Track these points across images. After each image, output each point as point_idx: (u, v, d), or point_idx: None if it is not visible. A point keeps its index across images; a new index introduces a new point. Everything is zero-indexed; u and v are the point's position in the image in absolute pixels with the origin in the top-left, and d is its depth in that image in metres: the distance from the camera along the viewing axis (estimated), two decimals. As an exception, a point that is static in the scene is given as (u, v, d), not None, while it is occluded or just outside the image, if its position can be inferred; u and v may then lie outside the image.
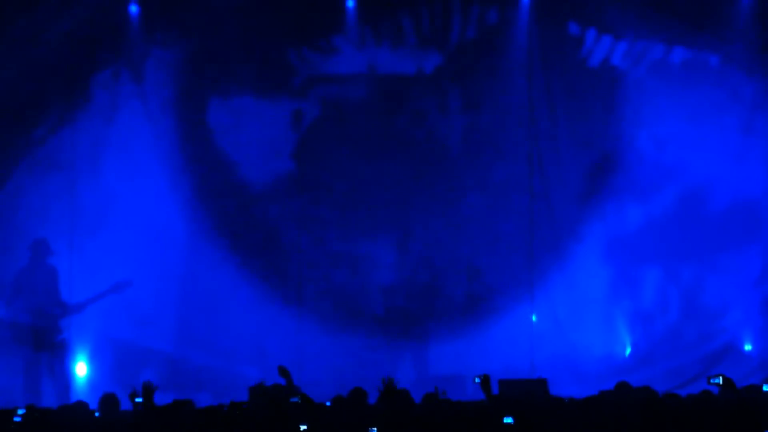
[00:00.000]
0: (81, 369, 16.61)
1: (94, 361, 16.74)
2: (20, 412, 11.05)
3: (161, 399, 10.98)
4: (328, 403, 10.76)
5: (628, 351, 17.03)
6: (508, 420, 8.98)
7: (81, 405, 10.68)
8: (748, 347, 16.89)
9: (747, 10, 16.94)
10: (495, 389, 11.68)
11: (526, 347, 16.87)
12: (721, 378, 9.96)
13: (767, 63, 16.90)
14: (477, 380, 10.48)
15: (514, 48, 17.21)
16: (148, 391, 10.27)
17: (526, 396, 11.72)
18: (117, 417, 10.62)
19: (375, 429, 9.13)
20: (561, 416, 9.35)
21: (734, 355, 16.82)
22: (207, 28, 16.98)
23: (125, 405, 11.04)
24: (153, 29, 17.09)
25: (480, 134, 17.35)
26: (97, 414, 10.71)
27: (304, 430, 9.29)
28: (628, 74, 17.18)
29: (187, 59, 17.15)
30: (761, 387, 10.80)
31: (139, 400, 10.63)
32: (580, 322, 16.95)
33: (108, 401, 10.73)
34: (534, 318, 17.08)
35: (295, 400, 10.76)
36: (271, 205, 17.32)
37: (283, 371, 12.15)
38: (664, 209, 17.16)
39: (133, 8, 17.03)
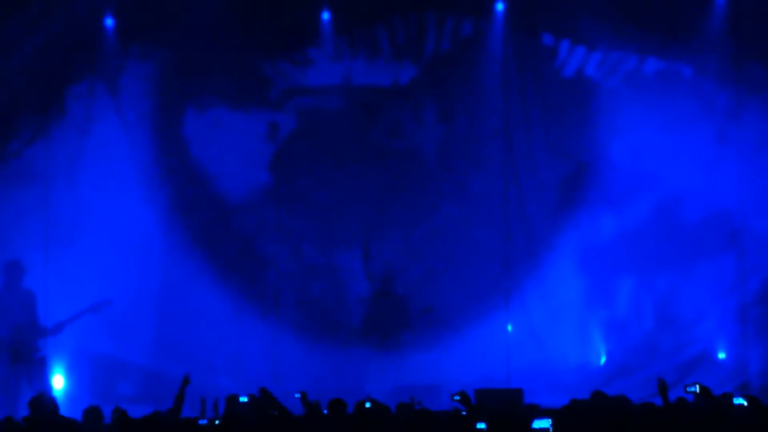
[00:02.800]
0: (58, 382, 16.57)
1: (72, 374, 16.69)
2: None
3: (139, 412, 10.98)
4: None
5: (603, 360, 17.09)
6: (480, 426, 9.02)
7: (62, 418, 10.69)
8: (721, 356, 16.95)
9: (719, 21, 17.03)
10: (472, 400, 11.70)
11: (502, 357, 16.91)
12: (697, 386, 10.01)
13: (739, 73, 16.99)
14: (456, 398, 10.52)
15: (488, 59, 17.28)
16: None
17: (502, 405, 11.74)
18: (99, 430, 10.61)
19: None
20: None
21: (708, 363, 16.87)
22: (183, 41, 16.98)
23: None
24: (128, 42, 17.08)
25: (455, 145, 17.40)
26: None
27: None
28: (602, 85, 17.26)
29: (162, 72, 17.15)
30: (732, 397, 10.84)
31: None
32: (556, 331, 16.99)
33: (91, 414, 10.71)
34: (510, 327, 17.12)
35: (272, 412, 10.78)
36: (248, 217, 17.33)
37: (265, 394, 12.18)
38: (638, 218, 17.22)
39: (109, 21, 17.01)
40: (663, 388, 10.51)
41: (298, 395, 11.75)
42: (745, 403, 10.22)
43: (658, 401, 10.79)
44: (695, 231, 17.09)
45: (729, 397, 10.88)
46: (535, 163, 17.31)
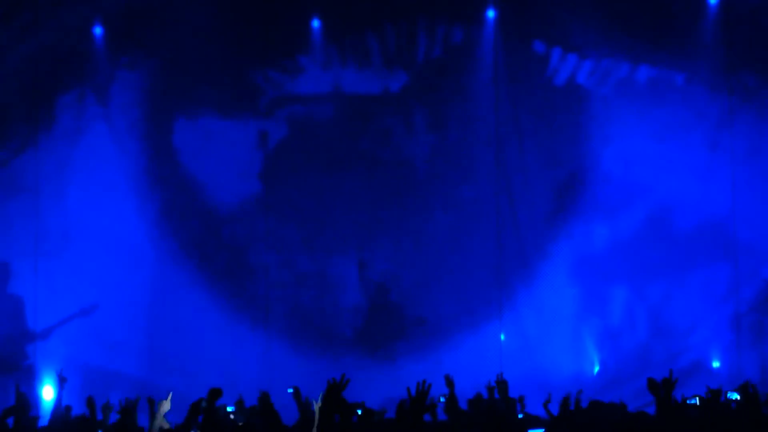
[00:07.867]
0: (48, 393, 16.49)
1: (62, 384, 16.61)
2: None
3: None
4: None
5: (597, 369, 17.05)
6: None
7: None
8: (716, 364, 16.93)
9: (711, 29, 17.04)
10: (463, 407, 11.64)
11: (496, 366, 16.85)
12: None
13: (732, 80, 16.99)
14: (442, 399, 10.49)
15: (479, 67, 17.26)
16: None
17: (495, 415, 11.68)
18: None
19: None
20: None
21: (702, 372, 16.83)
22: (172, 50, 16.96)
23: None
24: (118, 51, 17.07)
25: (446, 153, 17.38)
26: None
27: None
28: (593, 93, 17.24)
29: (152, 81, 17.13)
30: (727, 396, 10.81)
31: None
32: (549, 341, 16.95)
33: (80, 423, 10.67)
34: (503, 337, 17.07)
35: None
36: (239, 226, 17.30)
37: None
38: (631, 227, 17.20)
39: (98, 30, 17.00)
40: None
41: (290, 390, 11.69)
42: (738, 397, 10.19)
43: (651, 410, 10.73)
44: (688, 239, 17.07)
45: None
46: (526, 172, 17.28)
